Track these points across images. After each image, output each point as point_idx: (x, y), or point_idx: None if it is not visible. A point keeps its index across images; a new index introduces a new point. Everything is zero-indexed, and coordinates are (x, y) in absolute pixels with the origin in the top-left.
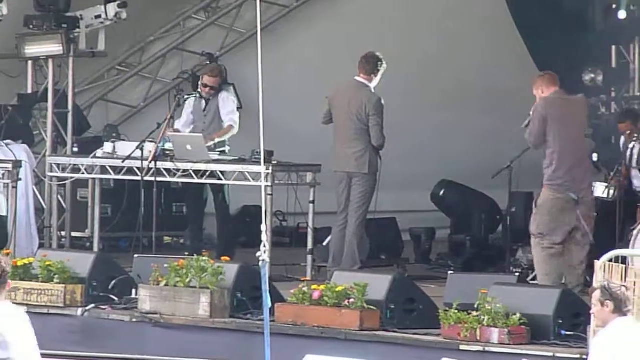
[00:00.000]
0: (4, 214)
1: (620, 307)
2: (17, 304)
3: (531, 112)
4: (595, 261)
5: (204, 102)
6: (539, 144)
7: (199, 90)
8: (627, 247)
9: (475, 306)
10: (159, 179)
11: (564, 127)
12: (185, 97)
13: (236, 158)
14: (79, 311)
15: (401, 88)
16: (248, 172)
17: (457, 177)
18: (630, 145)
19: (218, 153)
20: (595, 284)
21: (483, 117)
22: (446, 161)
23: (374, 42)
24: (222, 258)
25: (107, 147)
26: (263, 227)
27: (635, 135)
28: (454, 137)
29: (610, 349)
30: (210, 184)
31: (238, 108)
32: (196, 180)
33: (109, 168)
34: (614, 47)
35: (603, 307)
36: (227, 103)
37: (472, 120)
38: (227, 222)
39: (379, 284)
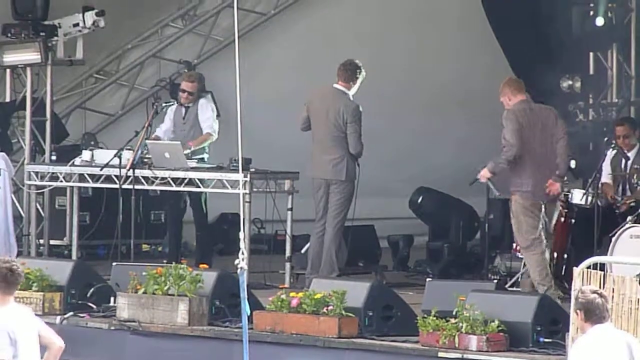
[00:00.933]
0: None
1: (590, 315)
2: None
3: (503, 123)
4: (574, 268)
5: (183, 109)
6: (521, 153)
7: (178, 97)
8: (605, 254)
9: (454, 313)
10: (137, 186)
11: (533, 136)
12: (163, 104)
13: (214, 166)
14: (58, 319)
15: (379, 94)
16: (226, 180)
17: (434, 184)
18: (607, 152)
19: (196, 161)
20: (573, 292)
21: (461, 123)
22: (424, 168)
23: (350, 48)
24: (200, 266)
25: (85, 155)
26: (241, 235)
27: (613, 142)
28: (431, 144)
29: (587, 355)
30: (188, 192)
31: (217, 116)
32: (174, 188)
33: (87, 176)
34: (591, 54)
35: (577, 316)
36: (205, 110)
37: (450, 127)
38: (205, 229)
39: (357, 291)
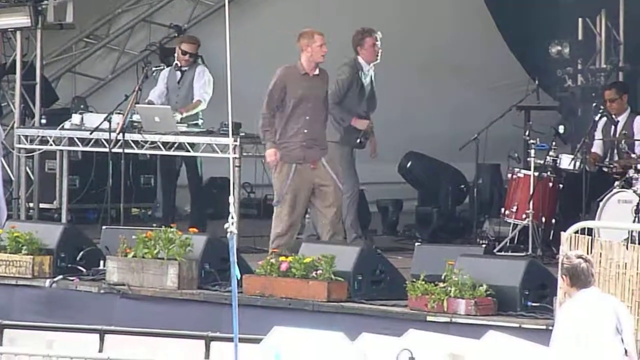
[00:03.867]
0: None
1: (575, 280)
2: None
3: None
4: (562, 233)
5: (179, 73)
6: None
7: (177, 60)
8: (593, 219)
9: (442, 277)
10: (127, 150)
11: None
12: (153, 69)
13: (204, 130)
14: (47, 282)
15: None
16: (216, 144)
17: (424, 149)
18: (596, 117)
19: (187, 125)
20: (560, 257)
21: (450, 90)
22: (413, 133)
23: (342, 16)
24: (190, 229)
25: (75, 119)
26: (231, 199)
27: (601, 108)
28: (421, 109)
29: (572, 320)
30: (183, 157)
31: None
32: (164, 152)
33: (76, 140)
34: (580, 20)
35: (563, 281)
36: (201, 78)
37: (440, 93)
38: (200, 193)
39: (346, 256)
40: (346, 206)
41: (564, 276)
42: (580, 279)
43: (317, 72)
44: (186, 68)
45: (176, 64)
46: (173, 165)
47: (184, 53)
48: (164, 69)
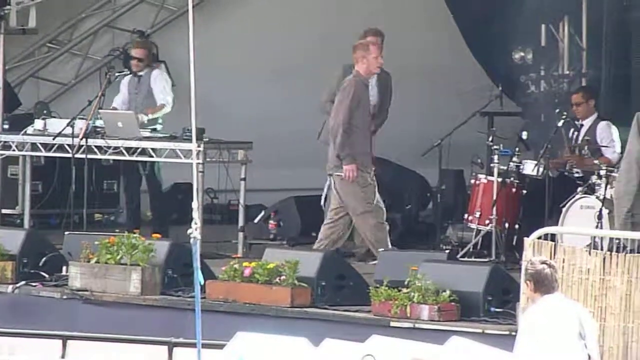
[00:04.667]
0: None
1: (540, 285)
2: None
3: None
4: (525, 239)
5: (136, 79)
6: None
7: (130, 65)
8: (556, 224)
9: (406, 283)
10: (89, 156)
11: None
12: (116, 74)
13: (167, 135)
14: (10, 288)
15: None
16: (179, 150)
17: (388, 155)
18: (559, 123)
19: (150, 130)
20: (523, 262)
21: (416, 96)
22: (377, 139)
23: (308, 18)
24: (154, 235)
25: (38, 124)
26: (194, 205)
27: (564, 113)
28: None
29: (536, 326)
30: (141, 162)
31: (172, 86)
32: (127, 158)
33: (39, 145)
34: (543, 26)
35: (527, 286)
36: (158, 82)
37: (405, 98)
38: (159, 199)
39: (310, 261)
40: None
41: (528, 281)
42: (544, 284)
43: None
44: (142, 73)
45: (132, 69)
46: (136, 170)
47: (133, 58)
48: (128, 74)
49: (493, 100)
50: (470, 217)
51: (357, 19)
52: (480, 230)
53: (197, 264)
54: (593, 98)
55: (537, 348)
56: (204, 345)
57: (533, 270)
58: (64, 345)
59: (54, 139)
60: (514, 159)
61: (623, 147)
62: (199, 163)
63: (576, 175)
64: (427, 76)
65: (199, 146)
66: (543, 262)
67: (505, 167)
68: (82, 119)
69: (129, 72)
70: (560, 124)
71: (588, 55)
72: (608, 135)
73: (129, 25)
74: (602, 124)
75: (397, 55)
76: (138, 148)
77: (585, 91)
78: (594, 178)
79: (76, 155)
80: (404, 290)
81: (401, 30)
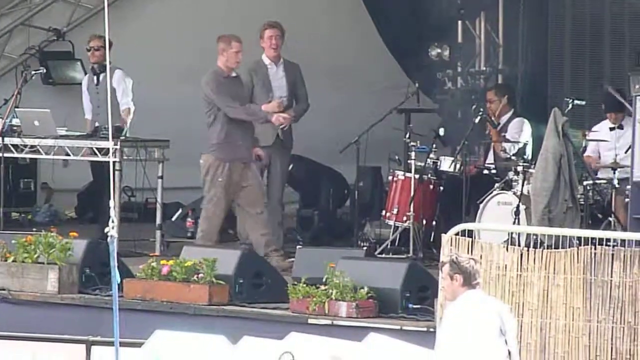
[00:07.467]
0: None
1: (469, 280)
2: None
3: None
4: (443, 235)
5: (95, 77)
6: None
7: (88, 58)
8: (473, 221)
9: (324, 280)
10: (6, 154)
11: None
12: (32, 72)
13: (84, 134)
14: None
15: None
16: (96, 148)
17: (305, 152)
18: (476, 120)
19: (66, 129)
20: (443, 258)
21: (330, 93)
22: (294, 136)
23: (221, 16)
24: (71, 234)
25: None
26: (111, 203)
27: (481, 110)
28: None
29: (458, 321)
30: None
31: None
32: (44, 157)
33: None
34: (460, 22)
35: (452, 281)
36: (122, 83)
37: (320, 96)
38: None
39: (227, 259)
40: None
41: (457, 275)
42: (475, 278)
43: (234, 74)
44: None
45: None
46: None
47: (95, 49)
48: (43, 72)
49: (410, 97)
50: (387, 214)
51: (264, 13)
52: (398, 226)
53: (114, 262)
54: (506, 95)
55: (457, 344)
56: (122, 344)
57: (467, 264)
58: None
59: None
60: (431, 155)
61: (540, 144)
62: (115, 161)
63: (493, 171)
64: (338, 75)
65: (115, 144)
66: (471, 258)
67: (422, 164)
68: None
69: (44, 70)
70: (477, 120)
71: (504, 52)
72: (518, 131)
73: (45, 24)
74: (515, 120)
75: (306, 55)
76: (54, 147)
77: (498, 88)
78: (510, 174)
79: None
80: (322, 287)
81: (311, 30)
